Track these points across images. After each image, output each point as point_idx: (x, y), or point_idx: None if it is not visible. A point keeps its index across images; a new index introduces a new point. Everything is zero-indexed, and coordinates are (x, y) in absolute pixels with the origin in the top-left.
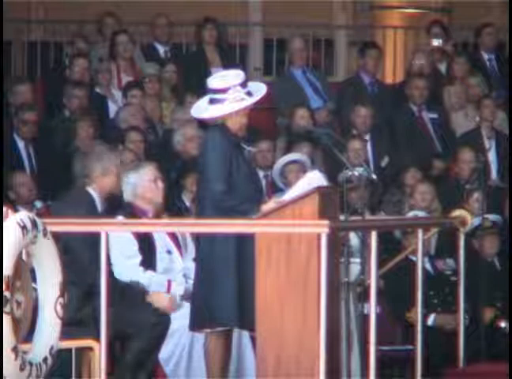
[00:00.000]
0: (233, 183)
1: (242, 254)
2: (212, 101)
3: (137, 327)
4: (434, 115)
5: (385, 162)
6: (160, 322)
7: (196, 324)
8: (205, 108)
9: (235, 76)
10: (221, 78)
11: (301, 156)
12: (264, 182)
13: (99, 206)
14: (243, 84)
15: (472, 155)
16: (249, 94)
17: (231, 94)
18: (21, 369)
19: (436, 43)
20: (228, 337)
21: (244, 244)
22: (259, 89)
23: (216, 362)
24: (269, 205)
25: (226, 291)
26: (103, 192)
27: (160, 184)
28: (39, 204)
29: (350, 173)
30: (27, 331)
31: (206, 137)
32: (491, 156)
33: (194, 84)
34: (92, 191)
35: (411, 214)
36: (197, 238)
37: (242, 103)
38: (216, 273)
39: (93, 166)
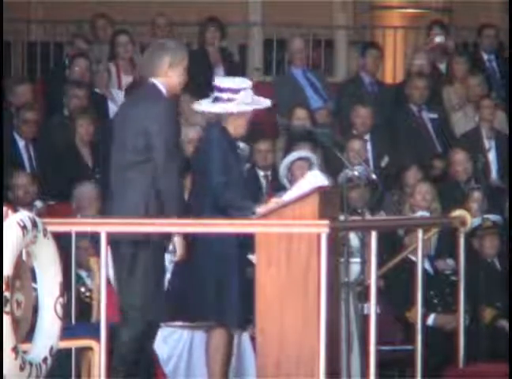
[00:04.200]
0: (229, 183)
1: (225, 251)
2: (216, 100)
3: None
4: (434, 115)
5: (385, 162)
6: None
7: (170, 315)
8: (211, 105)
9: (246, 80)
10: (232, 80)
11: (309, 153)
12: (264, 182)
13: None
14: (252, 90)
15: (465, 155)
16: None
17: (242, 95)
18: (21, 368)
19: (438, 39)
20: (231, 334)
21: (226, 241)
22: (264, 101)
23: (218, 359)
24: (269, 205)
25: (207, 287)
26: (168, 86)
27: None
28: (39, 204)
29: (350, 173)
30: (27, 331)
31: (205, 134)
32: (491, 156)
33: (195, 84)
34: (159, 84)
35: (418, 215)
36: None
37: (249, 106)
38: (199, 269)
39: (161, 58)
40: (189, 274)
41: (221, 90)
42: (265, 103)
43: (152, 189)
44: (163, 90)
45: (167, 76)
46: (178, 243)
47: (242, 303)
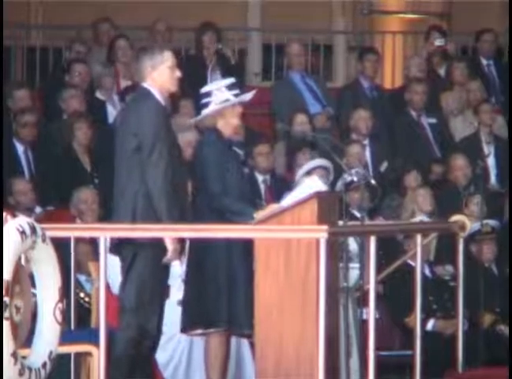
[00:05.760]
0: (226, 186)
1: (232, 257)
2: (201, 107)
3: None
4: (433, 120)
5: (383, 167)
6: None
7: (187, 326)
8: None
9: (222, 81)
10: (209, 84)
11: (328, 163)
12: (263, 187)
13: (162, 100)
14: (230, 87)
15: (465, 161)
16: (235, 96)
17: (215, 96)
18: (20, 374)
19: (438, 42)
20: (229, 337)
21: (234, 248)
22: (245, 95)
23: (217, 364)
24: (267, 211)
25: (218, 293)
26: (157, 87)
27: None
28: (38, 209)
29: (349, 178)
30: (26, 336)
31: (201, 140)
32: (490, 161)
33: (193, 90)
34: (149, 87)
35: (417, 219)
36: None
37: (226, 103)
38: (207, 275)
39: (143, 62)
40: (199, 282)
41: (201, 97)
42: (246, 96)
43: (139, 196)
44: (154, 92)
45: (153, 79)
46: (167, 239)
47: (250, 307)
